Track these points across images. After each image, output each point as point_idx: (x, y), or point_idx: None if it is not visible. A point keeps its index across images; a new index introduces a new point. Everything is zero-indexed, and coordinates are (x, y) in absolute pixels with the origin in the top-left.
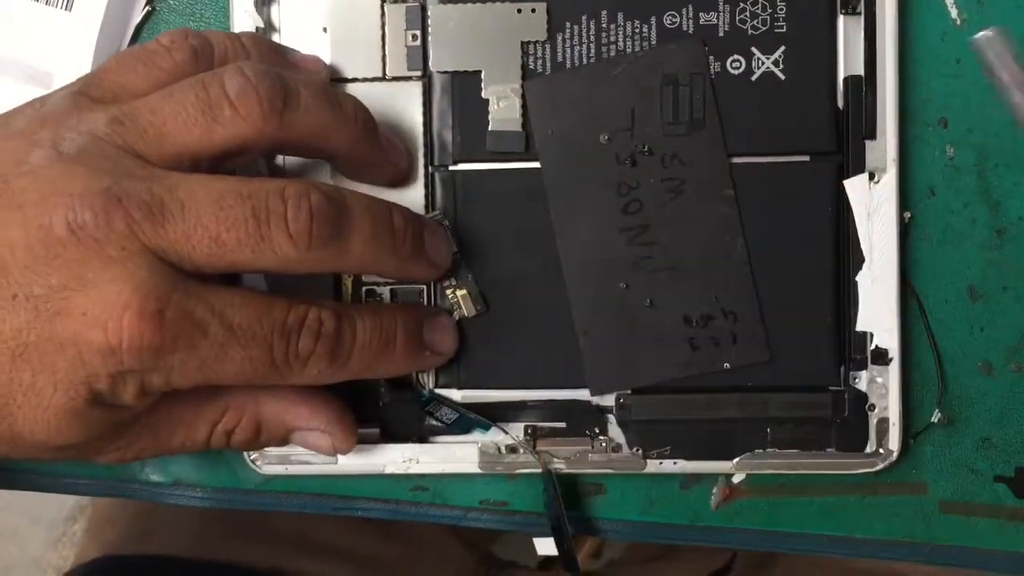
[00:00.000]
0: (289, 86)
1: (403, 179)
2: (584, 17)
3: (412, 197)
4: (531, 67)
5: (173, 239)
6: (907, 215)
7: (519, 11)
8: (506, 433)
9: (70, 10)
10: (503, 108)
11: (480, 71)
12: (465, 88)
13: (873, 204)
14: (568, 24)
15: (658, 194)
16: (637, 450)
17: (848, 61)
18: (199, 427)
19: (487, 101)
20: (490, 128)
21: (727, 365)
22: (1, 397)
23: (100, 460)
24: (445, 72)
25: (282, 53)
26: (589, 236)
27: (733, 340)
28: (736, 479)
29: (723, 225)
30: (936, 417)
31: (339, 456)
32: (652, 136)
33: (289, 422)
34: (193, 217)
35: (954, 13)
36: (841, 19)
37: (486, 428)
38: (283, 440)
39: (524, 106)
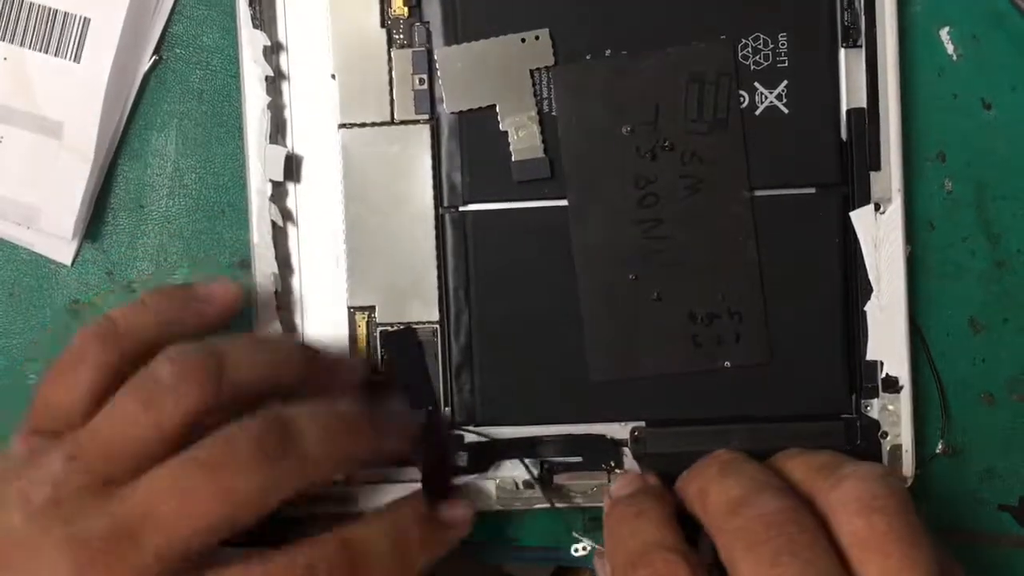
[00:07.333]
0: (217, 352)
1: (349, 389)
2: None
3: (423, 240)
4: (543, 95)
5: (149, 552)
6: (907, 248)
7: (523, 40)
8: (527, 468)
9: (79, 61)
10: (523, 137)
11: (495, 105)
12: (473, 129)
13: (879, 235)
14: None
15: (675, 190)
16: None
17: (850, 93)
18: None
19: (506, 134)
20: (513, 159)
21: (728, 364)
22: None
23: None
24: (460, 112)
25: (188, 293)
26: (603, 226)
27: (736, 339)
28: None
29: (736, 225)
30: (939, 448)
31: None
32: (674, 132)
33: None
34: (162, 524)
35: (950, 49)
36: (842, 52)
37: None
38: None
39: (543, 132)
